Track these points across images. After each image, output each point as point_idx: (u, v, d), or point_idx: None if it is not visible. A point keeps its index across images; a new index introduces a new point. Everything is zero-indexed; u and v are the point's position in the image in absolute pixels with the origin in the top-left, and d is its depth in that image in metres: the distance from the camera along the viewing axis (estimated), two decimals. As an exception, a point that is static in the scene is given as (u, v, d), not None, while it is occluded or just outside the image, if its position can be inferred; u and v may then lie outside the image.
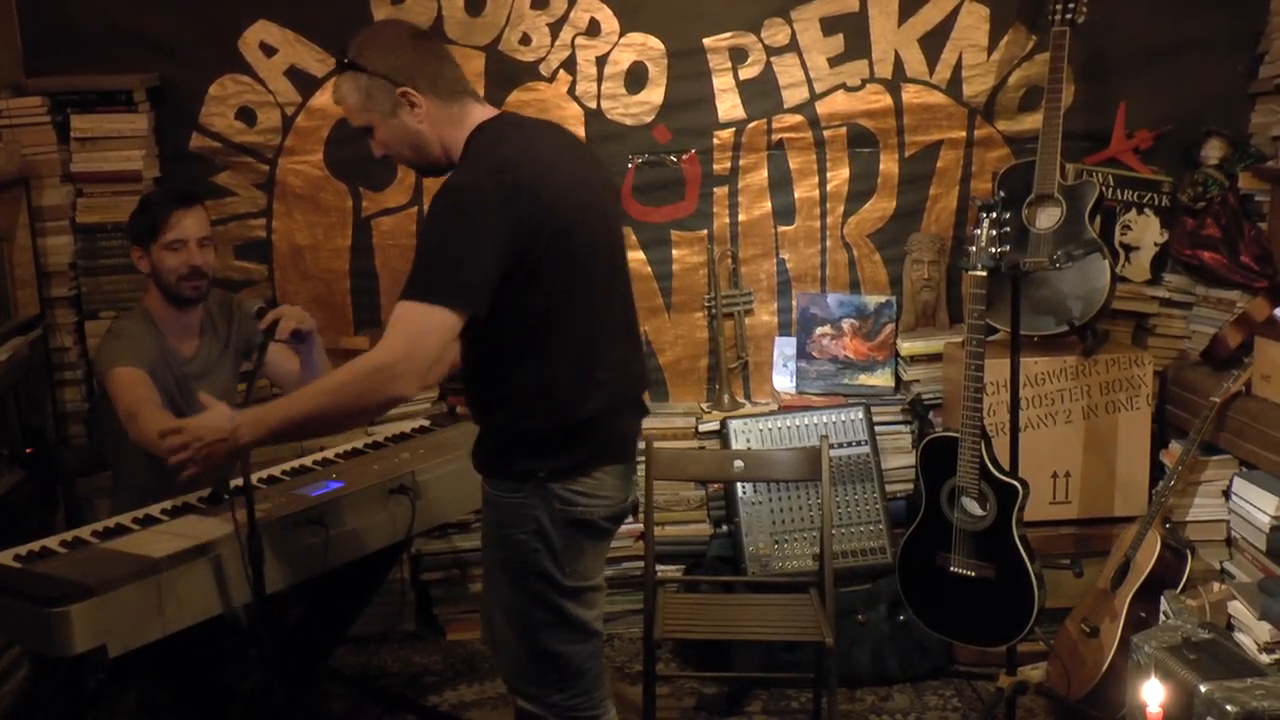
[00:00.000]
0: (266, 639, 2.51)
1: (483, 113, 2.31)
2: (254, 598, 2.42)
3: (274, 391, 3.78)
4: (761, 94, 3.85)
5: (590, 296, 2.27)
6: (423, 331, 2.09)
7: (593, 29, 3.80)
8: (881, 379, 3.93)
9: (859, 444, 3.74)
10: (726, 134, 3.87)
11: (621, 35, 3.80)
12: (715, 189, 3.92)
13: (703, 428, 3.87)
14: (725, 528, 3.82)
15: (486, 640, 2.95)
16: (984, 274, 2.94)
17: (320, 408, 2.18)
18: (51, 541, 2.56)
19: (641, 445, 3.36)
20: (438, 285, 2.09)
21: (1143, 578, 3.10)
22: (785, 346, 4.01)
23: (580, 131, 3.85)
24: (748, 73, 3.83)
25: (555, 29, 3.80)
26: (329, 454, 3.13)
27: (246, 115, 3.82)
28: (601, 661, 2.44)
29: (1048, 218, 3.51)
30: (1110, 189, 3.74)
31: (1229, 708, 2.29)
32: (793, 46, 3.81)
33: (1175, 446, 3.49)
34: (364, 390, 2.13)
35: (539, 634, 2.32)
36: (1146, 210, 3.77)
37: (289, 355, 3.10)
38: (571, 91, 3.84)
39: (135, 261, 3.04)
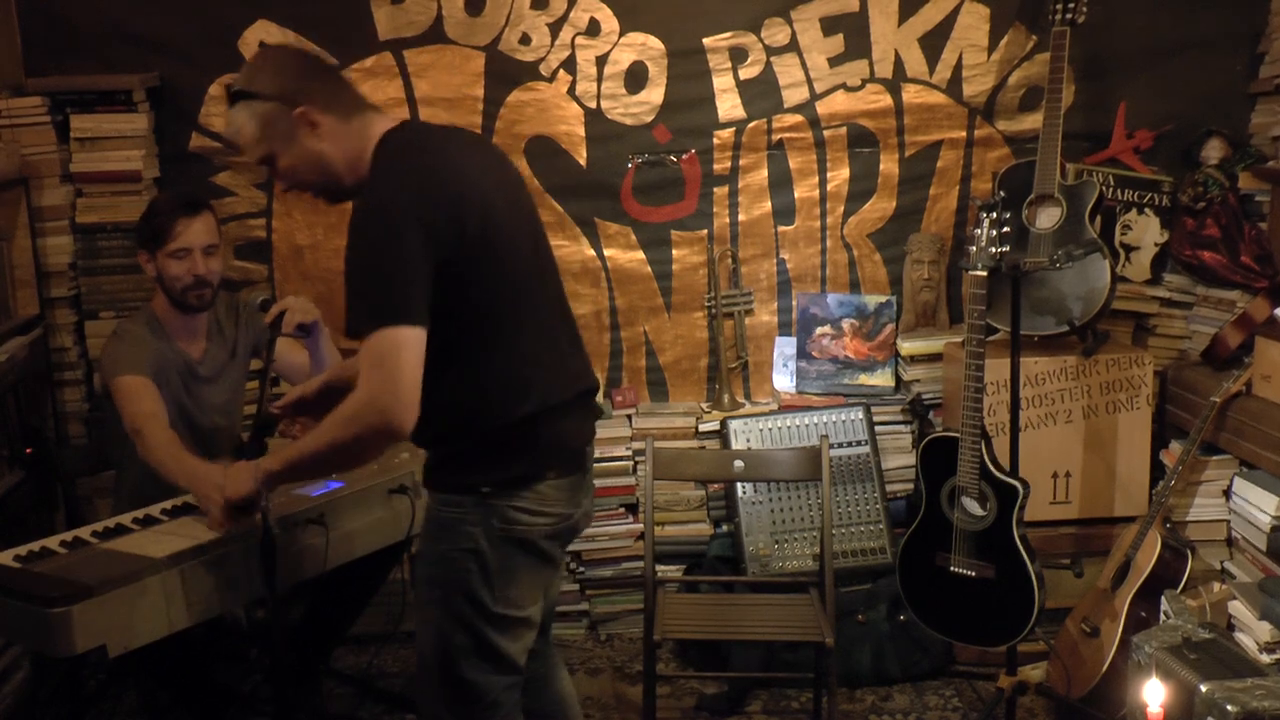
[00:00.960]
0: (277, 639, 2.51)
1: (384, 123, 2.21)
2: (267, 597, 2.42)
3: (275, 391, 3.80)
4: (761, 94, 3.85)
5: (520, 293, 2.19)
6: (391, 355, 1.99)
7: (592, 29, 3.79)
8: (881, 379, 3.93)
9: (859, 444, 3.74)
10: (726, 134, 3.87)
11: (621, 35, 3.80)
12: (715, 189, 3.93)
13: (703, 427, 3.87)
14: (725, 527, 3.82)
15: None
16: (984, 274, 2.94)
17: (320, 451, 2.13)
18: (51, 541, 2.56)
19: (640, 445, 3.37)
20: (388, 307, 2.00)
21: (1143, 578, 3.10)
22: (785, 346, 4.01)
23: (580, 131, 3.85)
24: (748, 72, 3.83)
25: (555, 29, 3.80)
26: (329, 454, 3.12)
27: (246, 115, 3.82)
28: (518, 695, 2.32)
29: (1048, 218, 3.51)
30: (1110, 189, 3.74)
31: (1229, 708, 2.29)
32: (793, 46, 3.81)
33: (1175, 446, 3.49)
34: (358, 434, 2.05)
35: (456, 659, 2.22)
36: (1147, 210, 3.77)
37: (297, 348, 3.10)
38: (571, 91, 3.84)
39: (142, 265, 3.03)
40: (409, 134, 2.22)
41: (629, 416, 3.91)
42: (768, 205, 3.94)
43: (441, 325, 2.07)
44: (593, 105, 3.85)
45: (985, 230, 2.91)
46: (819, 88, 3.85)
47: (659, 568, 3.60)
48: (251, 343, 3.19)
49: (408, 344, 2.00)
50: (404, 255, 2.02)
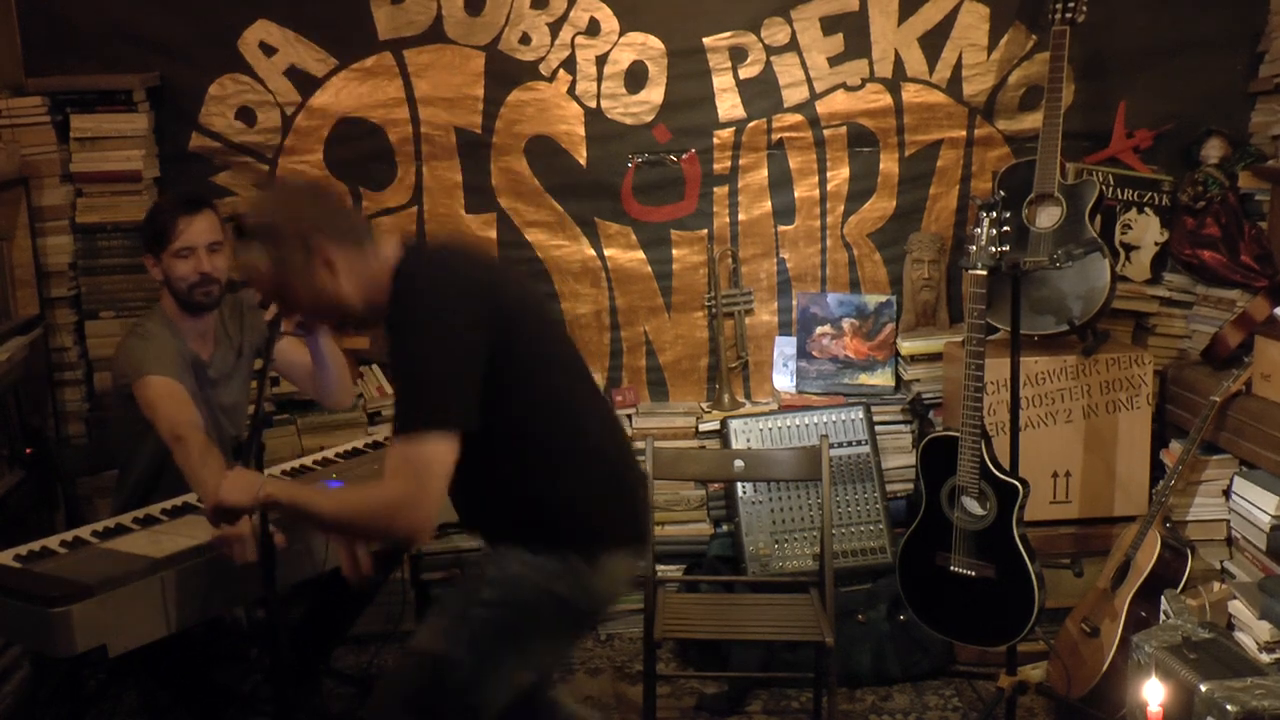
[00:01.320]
0: (278, 639, 2.51)
1: (393, 245, 2.23)
2: (267, 597, 2.42)
3: (274, 392, 3.79)
4: (761, 93, 3.85)
5: (566, 375, 2.28)
6: (423, 466, 2.03)
7: (592, 28, 3.79)
8: (881, 378, 3.93)
9: (859, 443, 3.74)
10: (726, 133, 3.87)
11: (621, 34, 3.80)
12: (715, 188, 3.92)
13: (703, 427, 3.87)
14: (725, 527, 3.82)
15: None
16: (984, 273, 2.95)
17: (329, 516, 2.17)
18: (52, 541, 2.56)
19: (641, 445, 3.37)
20: (427, 414, 2.04)
21: (1143, 577, 3.10)
22: (785, 346, 4.01)
23: (580, 131, 3.85)
24: (748, 72, 3.83)
25: (555, 28, 3.80)
26: (329, 454, 3.13)
27: (246, 115, 3.82)
28: None
29: (1048, 217, 3.51)
30: (1110, 188, 3.74)
31: (1229, 707, 2.29)
32: (793, 46, 3.81)
33: (1175, 446, 3.49)
34: (373, 527, 2.12)
35: (442, 693, 2.20)
36: (1147, 209, 3.77)
37: (299, 347, 3.09)
38: (571, 91, 3.84)
39: (149, 269, 3.01)
40: (430, 251, 2.31)
41: (629, 416, 3.91)
42: (768, 205, 3.94)
43: (505, 411, 2.13)
44: (593, 105, 3.85)
45: (985, 229, 2.91)
46: (819, 87, 3.85)
47: (659, 567, 3.60)
48: (256, 343, 3.17)
49: (441, 455, 2.03)
50: (448, 356, 2.07)
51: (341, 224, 2.20)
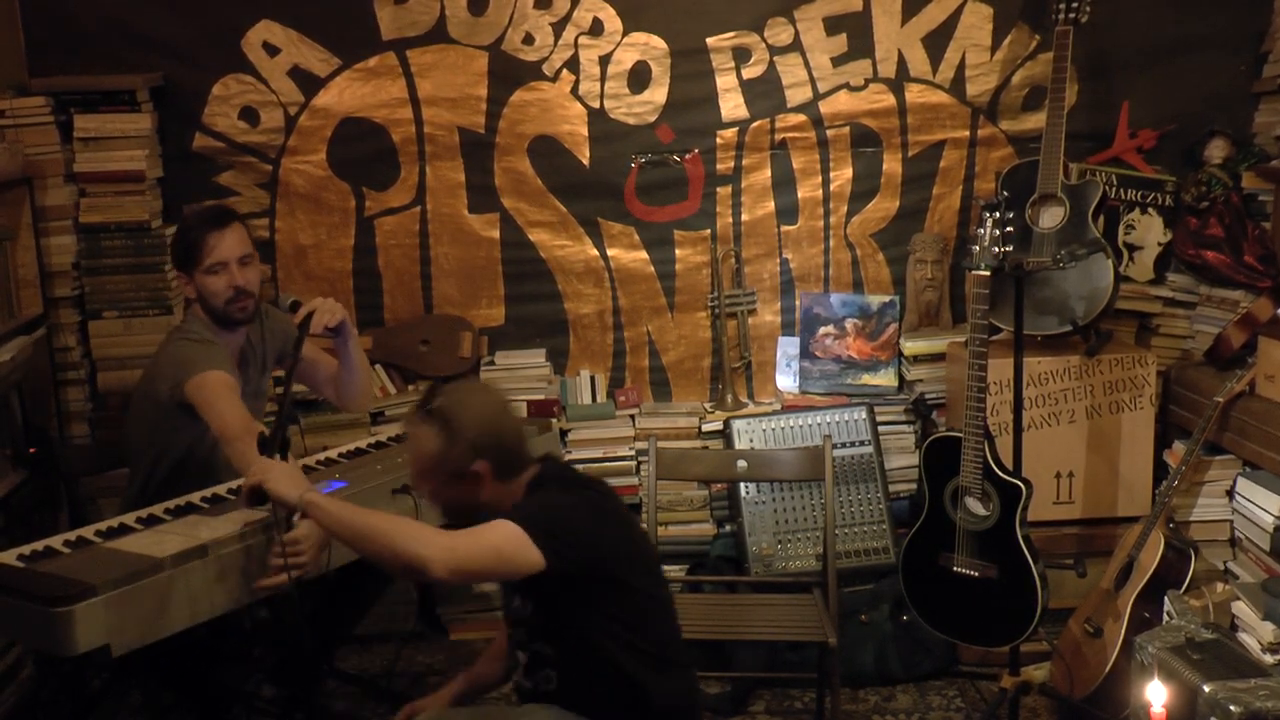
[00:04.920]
0: (303, 637, 2.51)
1: (531, 471, 2.36)
2: (290, 594, 2.45)
3: (276, 392, 3.79)
4: (764, 93, 3.85)
5: (654, 579, 2.49)
6: (492, 550, 2.15)
7: (596, 28, 3.80)
8: (884, 379, 3.93)
9: (862, 444, 3.74)
10: (730, 133, 3.88)
11: (624, 35, 3.80)
12: (718, 188, 3.93)
13: (706, 427, 3.87)
14: (728, 527, 3.82)
15: None
16: (987, 273, 2.94)
17: (367, 532, 2.21)
18: (55, 541, 2.56)
19: (644, 445, 3.38)
20: (526, 518, 2.18)
21: (1146, 578, 3.10)
22: (788, 346, 4.01)
23: (583, 131, 3.85)
24: (751, 72, 3.83)
25: (558, 28, 3.80)
26: (332, 454, 3.13)
27: (249, 115, 3.83)
28: None
29: (1051, 217, 3.51)
30: (1113, 188, 3.74)
31: (1233, 708, 2.29)
32: (796, 46, 3.81)
33: (1179, 446, 3.49)
34: (403, 555, 2.15)
35: None
36: (1150, 210, 3.77)
37: (321, 349, 3.09)
38: (574, 91, 3.84)
39: (181, 288, 2.98)
40: (559, 469, 2.48)
41: (632, 416, 3.91)
42: (771, 205, 3.94)
43: (609, 617, 2.27)
44: (596, 105, 3.85)
45: (988, 230, 2.91)
46: (822, 87, 3.85)
47: (662, 568, 3.60)
48: (277, 350, 3.16)
49: (516, 540, 2.14)
50: (586, 515, 2.27)
51: (509, 458, 2.32)
